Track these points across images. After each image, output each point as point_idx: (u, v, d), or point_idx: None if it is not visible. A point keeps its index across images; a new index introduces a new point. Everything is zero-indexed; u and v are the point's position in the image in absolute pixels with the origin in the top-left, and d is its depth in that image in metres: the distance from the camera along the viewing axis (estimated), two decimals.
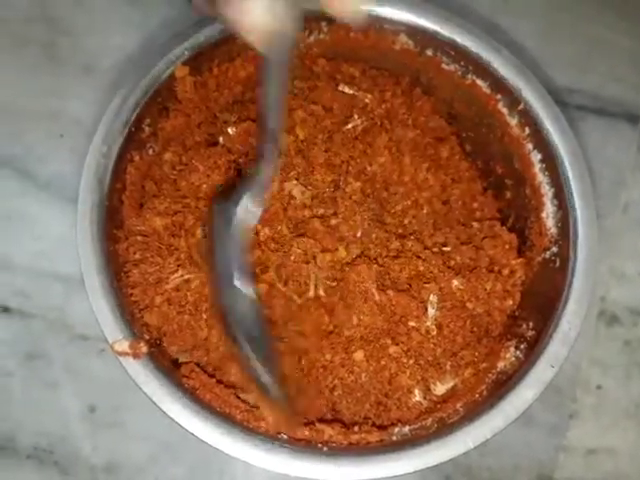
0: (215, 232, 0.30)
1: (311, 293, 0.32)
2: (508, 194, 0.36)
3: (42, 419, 0.35)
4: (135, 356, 0.29)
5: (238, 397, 0.31)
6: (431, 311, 0.32)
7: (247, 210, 0.29)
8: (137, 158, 0.33)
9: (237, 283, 0.29)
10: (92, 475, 0.35)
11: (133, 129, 0.32)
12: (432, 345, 0.32)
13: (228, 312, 0.29)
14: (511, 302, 0.34)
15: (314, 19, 0.35)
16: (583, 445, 0.37)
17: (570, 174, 0.32)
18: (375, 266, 0.32)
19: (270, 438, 0.29)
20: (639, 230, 0.40)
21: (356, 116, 0.35)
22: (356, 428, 0.31)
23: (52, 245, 0.37)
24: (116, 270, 0.31)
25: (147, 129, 0.33)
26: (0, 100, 0.39)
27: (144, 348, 0.29)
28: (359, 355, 0.31)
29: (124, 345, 0.29)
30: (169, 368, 0.30)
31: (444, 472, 0.36)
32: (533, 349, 0.31)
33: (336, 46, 0.36)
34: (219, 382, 0.31)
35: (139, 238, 0.32)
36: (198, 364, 0.31)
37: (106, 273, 0.30)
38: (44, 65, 0.40)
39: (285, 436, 0.30)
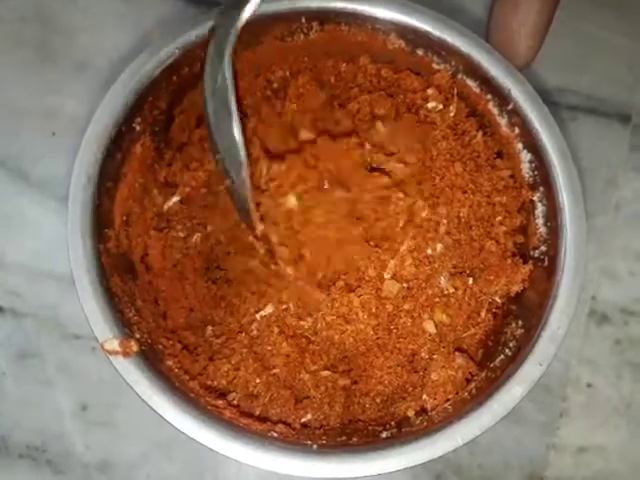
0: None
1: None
2: None
3: (35, 418, 0.35)
4: (125, 355, 0.29)
5: (225, 398, 0.31)
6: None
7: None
8: (128, 156, 0.33)
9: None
10: (85, 473, 0.35)
11: (124, 128, 0.32)
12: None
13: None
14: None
15: (305, 18, 0.35)
16: (574, 443, 0.37)
17: (559, 173, 0.33)
18: None
19: (260, 436, 0.29)
20: (631, 229, 0.40)
21: None
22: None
23: (45, 244, 0.37)
24: (106, 269, 0.31)
25: (138, 127, 0.33)
26: None
27: (134, 347, 0.29)
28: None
29: (114, 344, 0.29)
30: (160, 366, 0.30)
31: (435, 471, 0.36)
32: (522, 347, 0.31)
33: (328, 46, 0.36)
34: (202, 386, 0.31)
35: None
36: (182, 367, 0.32)
37: (96, 272, 0.30)
38: (38, 64, 0.40)
39: (275, 434, 0.30)
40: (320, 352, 0.33)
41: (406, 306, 0.33)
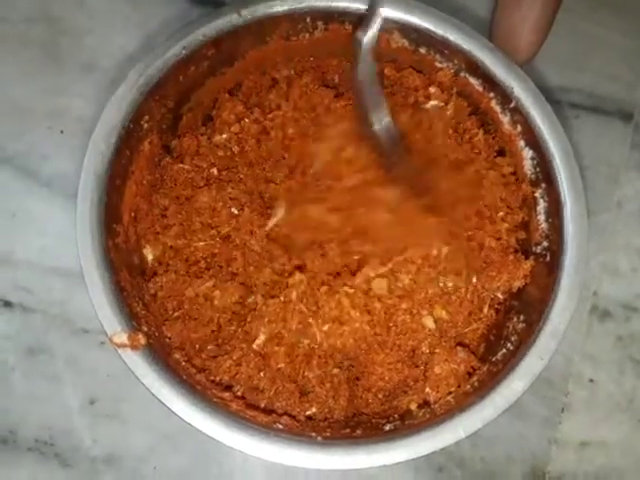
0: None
1: None
2: None
3: (43, 412, 0.36)
4: (134, 348, 0.30)
5: (231, 390, 0.32)
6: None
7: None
8: (136, 154, 0.34)
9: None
10: (93, 466, 0.35)
11: (131, 126, 0.33)
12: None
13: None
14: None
15: (310, 18, 0.36)
16: (576, 438, 0.37)
17: (561, 170, 0.33)
18: None
19: (265, 428, 0.30)
20: (632, 226, 0.40)
21: None
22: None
23: (53, 241, 0.38)
24: (115, 264, 0.31)
25: (146, 125, 0.34)
26: (2, 99, 0.39)
27: (142, 340, 0.30)
28: None
29: (122, 337, 0.30)
30: (167, 360, 0.31)
31: (438, 463, 0.36)
32: (523, 342, 0.31)
33: (333, 45, 0.37)
34: (208, 379, 0.32)
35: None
36: (189, 360, 0.32)
37: (105, 267, 0.30)
38: (45, 64, 0.40)
39: (280, 426, 0.31)
40: (325, 356, 0.33)
41: (404, 304, 0.33)
